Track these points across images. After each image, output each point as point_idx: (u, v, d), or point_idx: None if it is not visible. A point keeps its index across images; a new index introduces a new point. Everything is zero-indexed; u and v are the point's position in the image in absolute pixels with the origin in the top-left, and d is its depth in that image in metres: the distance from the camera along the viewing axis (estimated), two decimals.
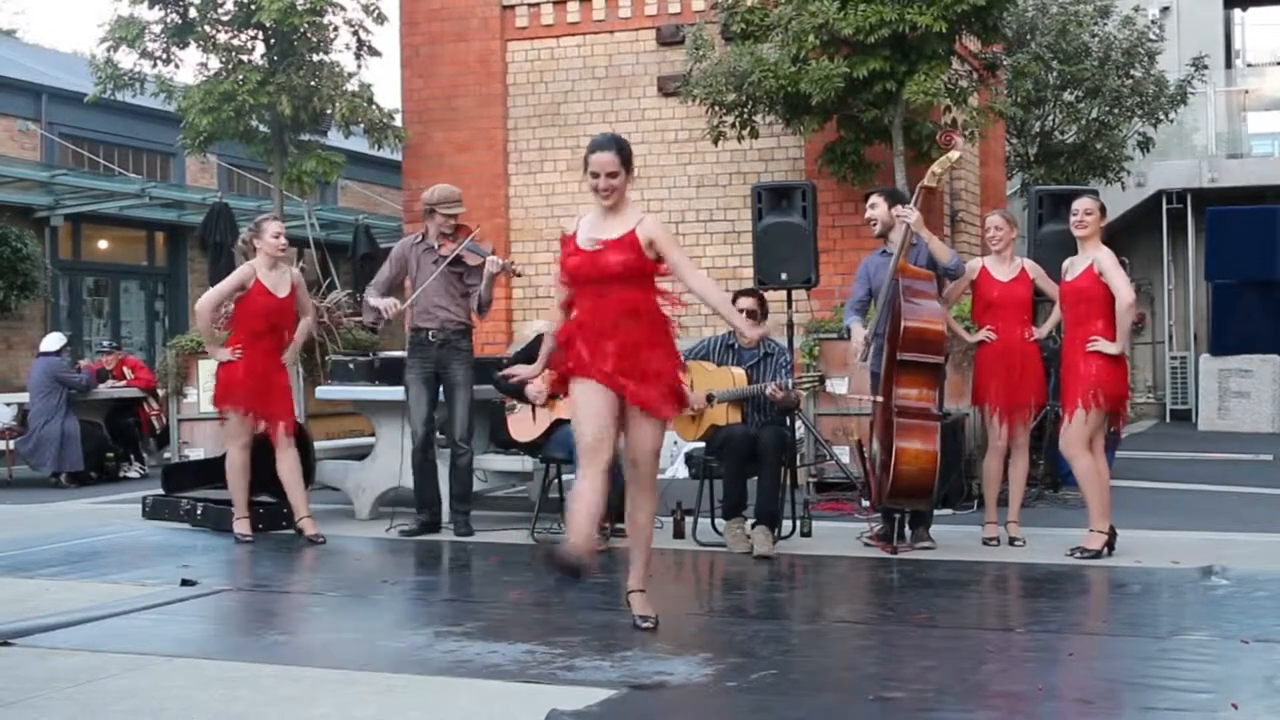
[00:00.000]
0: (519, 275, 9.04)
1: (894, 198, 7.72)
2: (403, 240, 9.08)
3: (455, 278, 8.47)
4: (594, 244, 5.56)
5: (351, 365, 9.46)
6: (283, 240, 8.40)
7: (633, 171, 5.68)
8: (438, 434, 8.79)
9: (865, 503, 8.13)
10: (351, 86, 12.95)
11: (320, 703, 4.51)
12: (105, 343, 15.34)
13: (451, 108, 13.66)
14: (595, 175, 5.59)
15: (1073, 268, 7.36)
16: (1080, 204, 7.36)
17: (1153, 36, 17.51)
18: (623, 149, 5.63)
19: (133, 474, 13.35)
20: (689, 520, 8.12)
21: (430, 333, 8.45)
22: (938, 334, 7.28)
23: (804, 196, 9.59)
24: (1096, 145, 17.24)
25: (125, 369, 14.11)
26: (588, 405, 5.48)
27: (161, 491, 9.36)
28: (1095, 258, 7.21)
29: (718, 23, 11.69)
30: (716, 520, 8.04)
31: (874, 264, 7.78)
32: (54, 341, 12.77)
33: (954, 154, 7.70)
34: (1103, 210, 7.39)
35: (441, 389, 8.51)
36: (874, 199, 7.74)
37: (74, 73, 19.44)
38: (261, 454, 8.41)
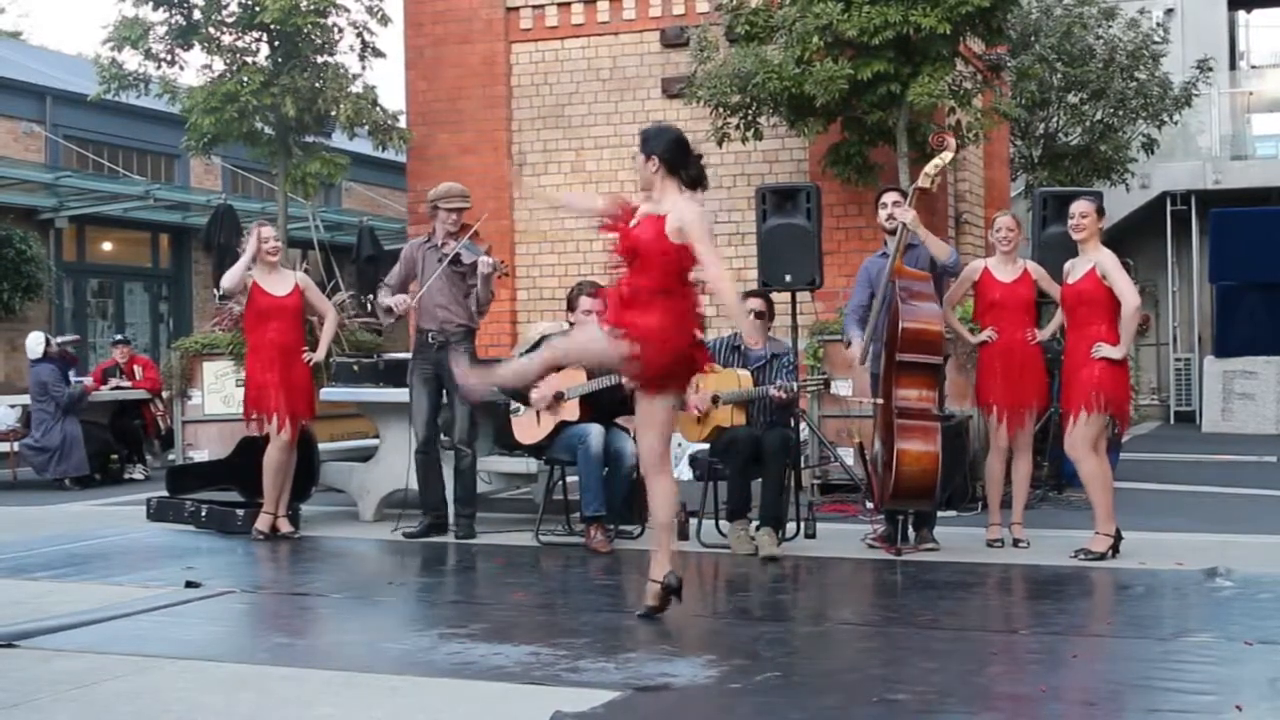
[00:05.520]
0: (506, 275, 9.02)
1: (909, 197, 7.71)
2: (412, 240, 9.13)
3: (458, 278, 8.47)
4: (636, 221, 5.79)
5: (356, 367, 9.47)
6: (271, 244, 8.55)
7: (654, 159, 5.79)
8: (442, 436, 8.80)
9: (869, 504, 8.13)
10: (356, 88, 12.95)
11: (324, 704, 4.51)
12: (118, 335, 15.31)
13: (456, 109, 13.65)
14: None
15: (1074, 270, 7.34)
16: (1076, 207, 7.35)
17: (1157, 39, 17.51)
18: (646, 139, 5.87)
19: (137, 475, 13.36)
20: (693, 522, 8.12)
21: (430, 334, 8.48)
22: (936, 334, 7.28)
23: (808, 198, 9.58)
24: (1101, 147, 17.22)
25: (136, 367, 14.11)
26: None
27: (166, 493, 9.36)
28: (1097, 260, 7.20)
29: (722, 24, 11.68)
30: (721, 522, 8.05)
31: (874, 266, 7.76)
32: (35, 346, 12.64)
33: (947, 155, 7.69)
34: (1100, 212, 7.36)
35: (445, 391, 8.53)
36: (896, 196, 7.70)
37: (78, 75, 19.48)
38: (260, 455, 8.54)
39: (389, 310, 8.64)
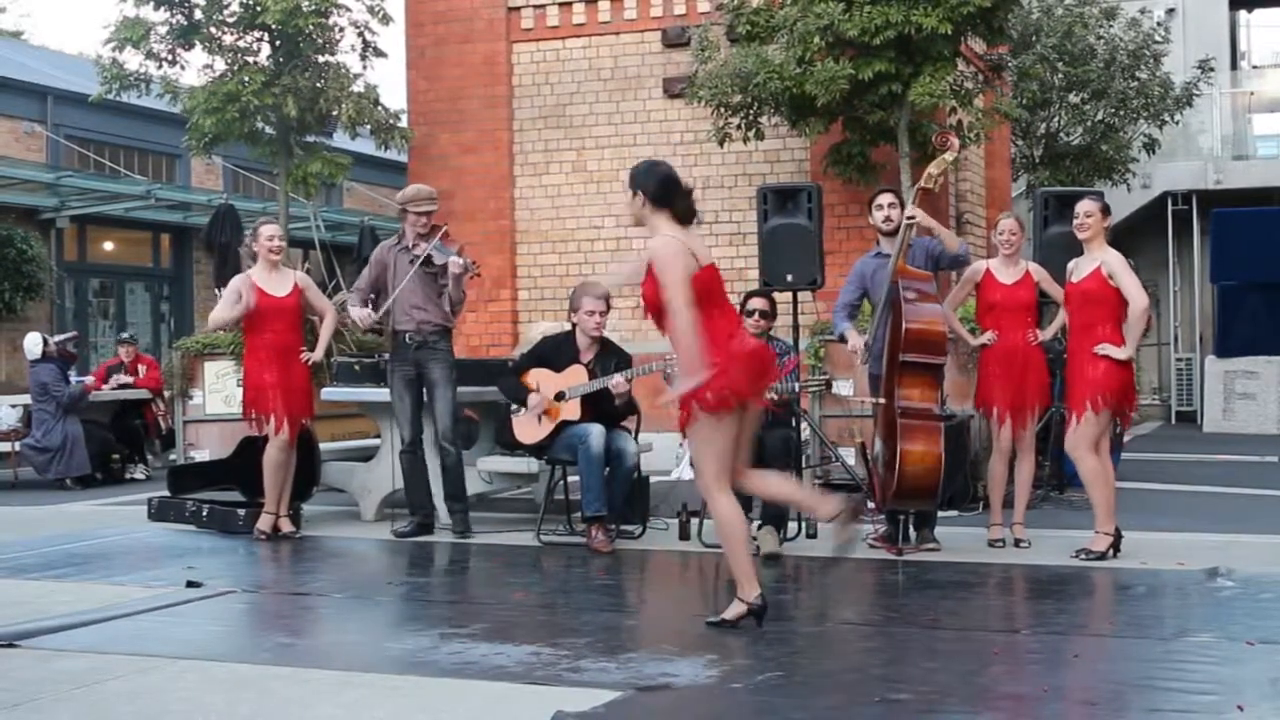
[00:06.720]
0: (479, 275, 9.00)
1: (912, 197, 7.72)
2: (382, 243, 9.13)
3: (430, 279, 8.48)
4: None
5: (357, 367, 9.47)
6: (275, 242, 8.56)
7: (639, 194, 5.63)
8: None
9: (871, 504, 8.12)
10: (357, 88, 12.95)
11: (325, 704, 4.51)
12: (123, 334, 15.31)
13: (457, 109, 13.66)
14: None
15: (1078, 269, 7.32)
16: (1081, 206, 7.34)
17: (1158, 38, 17.52)
18: (634, 175, 5.71)
19: (138, 475, 13.36)
20: (694, 522, 8.11)
21: (407, 335, 8.50)
22: (939, 335, 7.28)
23: (809, 198, 9.58)
24: (1102, 147, 17.24)
25: (140, 365, 14.11)
26: None
27: (167, 493, 9.36)
28: (1103, 260, 7.17)
29: (723, 24, 11.69)
30: None
31: (869, 266, 7.77)
32: (32, 347, 12.63)
33: (950, 155, 7.69)
34: (1105, 211, 7.34)
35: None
36: (891, 198, 7.70)
37: (79, 74, 19.48)
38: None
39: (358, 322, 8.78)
